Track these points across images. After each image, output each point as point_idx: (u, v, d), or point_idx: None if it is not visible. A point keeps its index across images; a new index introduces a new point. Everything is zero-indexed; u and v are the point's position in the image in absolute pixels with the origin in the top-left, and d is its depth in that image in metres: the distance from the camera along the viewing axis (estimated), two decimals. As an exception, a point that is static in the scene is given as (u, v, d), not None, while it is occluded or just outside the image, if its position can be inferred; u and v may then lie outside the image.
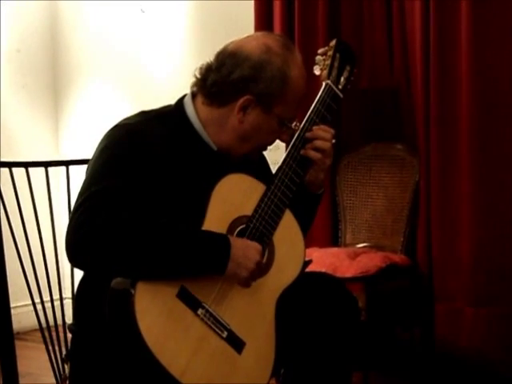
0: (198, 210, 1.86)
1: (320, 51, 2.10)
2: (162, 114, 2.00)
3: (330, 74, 2.06)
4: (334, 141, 2.04)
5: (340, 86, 2.07)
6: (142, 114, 2.00)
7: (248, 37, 2.00)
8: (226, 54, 1.95)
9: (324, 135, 2.01)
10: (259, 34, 2.04)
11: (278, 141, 2.03)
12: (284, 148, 2.10)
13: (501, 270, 3.27)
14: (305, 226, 2.05)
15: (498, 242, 3.28)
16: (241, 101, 1.93)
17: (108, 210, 1.77)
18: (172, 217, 1.84)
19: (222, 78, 1.93)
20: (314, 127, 2.01)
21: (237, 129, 1.96)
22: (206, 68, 1.97)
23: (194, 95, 2.01)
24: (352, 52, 2.13)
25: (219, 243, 1.82)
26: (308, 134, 2.01)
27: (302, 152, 1.99)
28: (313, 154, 2.00)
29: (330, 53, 2.08)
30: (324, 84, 2.06)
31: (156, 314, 1.75)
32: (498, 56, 3.26)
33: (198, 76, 1.98)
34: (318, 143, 2.00)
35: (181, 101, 2.02)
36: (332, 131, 2.03)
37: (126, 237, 1.76)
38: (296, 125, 2.00)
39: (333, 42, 2.10)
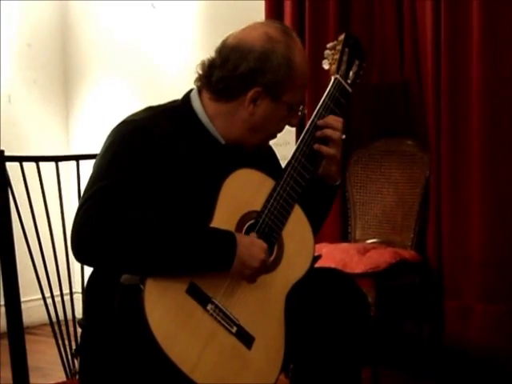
0: (207, 205, 1.85)
1: (329, 45, 2.10)
2: (169, 109, 1.99)
3: (338, 68, 2.06)
4: (344, 136, 2.03)
5: (349, 81, 2.06)
6: (149, 109, 1.99)
7: (246, 28, 1.98)
8: (228, 48, 1.93)
9: (334, 124, 2.01)
10: (256, 23, 2.01)
11: (287, 137, 2.02)
12: (293, 143, 2.10)
13: (511, 266, 3.26)
14: (321, 217, 2.06)
15: (508, 238, 3.28)
16: (250, 93, 1.92)
17: (114, 207, 1.76)
18: (180, 213, 1.83)
19: (228, 73, 1.92)
20: (325, 117, 2.01)
21: (247, 121, 1.95)
22: (208, 64, 1.96)
23: (199, 90, 2.00)
24: (361, 46, 2.11)
25: (225, 240, 1.81)
26: (319, 122, 2.01)
27: (315, 146, 1.99)
28: (324, 148, 2.00)
29: (339, 47, 2.07)
30: (333, 78, 2.05)
31: (165, 309, 1.75)
32: (510, 52, 3.25)
33: (201, 72, 1.98)
34: (328, 132, 2.00)
35: (187, 95, 2.01)
36: (341, 120, 2.02)
37: (131, 234, 1.75)
38: (304, 108, 2.00)
39: (342, 36, 2.09)
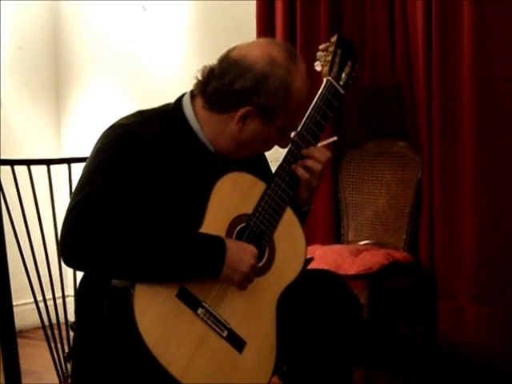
0: (198, 209, 1.85)
1: (321, 47, 2.09)
2: (160, 113, 1.99)
3: (331, 70, 2.05)
4: (335, 138, 2.02)
5: (341, 82, 2.06)
6: (139, 113, 1.98)
7: (252, 44, 1.97)
8: (229, 61, 1.92)
9: (318, 156, 1.98)
10: (264, 41, 2.00)
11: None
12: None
13: (504, 267, 3.26)
14: None
15: (500, 239, 3.28)
16: (241, 111, 1.91)
17: (102, 213, 1.76)
18: (170, 218, 1.83)
19: (223, 87, 1.90)
20: (311, 147, 1.99)
21: (236, 137, 1.94)
22: (208, 72, 1.94)
23: (193, 95, 1.99)
24: (353, 47, 2.11)
25: (214, 246, 1.80)
26: (303, 152, 1.99)
27: (292, 167, 1.97)
28: (301, 172, 1.98)
29: (331, 48, 2.06)
30: (325, 80, 2.05)
31: (156, 314, 1.75)
32: (500, 53, 3.25)
33: (200, 78, 1.96)
34: (309, 162, 1.98)
35: (179, 100, 2.00)
36: (328, 155, 2.00)
37: (119, 241, 1.74)
38: (295, 134, 1.98)
39: (334, 38, 2.08)
